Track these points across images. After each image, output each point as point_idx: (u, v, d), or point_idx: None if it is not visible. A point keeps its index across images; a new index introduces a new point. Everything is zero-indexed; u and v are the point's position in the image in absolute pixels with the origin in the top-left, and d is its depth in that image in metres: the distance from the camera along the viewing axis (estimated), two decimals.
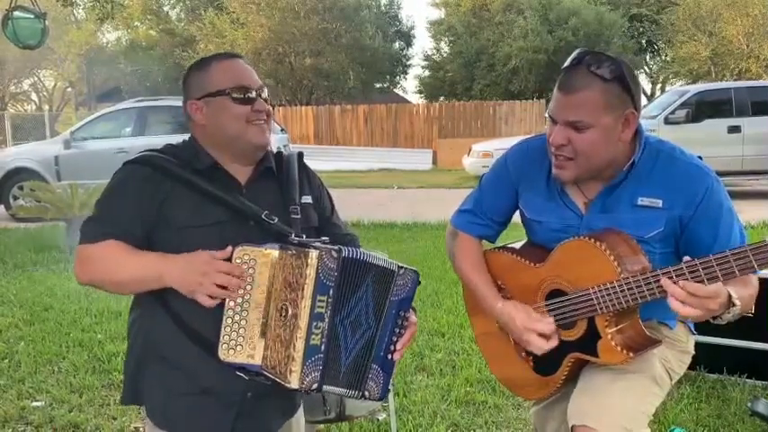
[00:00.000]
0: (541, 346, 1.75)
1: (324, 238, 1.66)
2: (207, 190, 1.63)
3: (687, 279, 1.49)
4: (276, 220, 1.63)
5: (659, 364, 1.77)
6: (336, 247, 1.48)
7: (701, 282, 1.48)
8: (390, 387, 2.48)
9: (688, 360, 1.88)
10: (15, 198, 10.19)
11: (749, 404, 3.01)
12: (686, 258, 1.53)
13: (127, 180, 1.67)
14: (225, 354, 1.53)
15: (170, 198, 1.63)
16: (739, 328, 3.25)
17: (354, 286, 1.50)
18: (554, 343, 1.74)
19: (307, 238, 1.62)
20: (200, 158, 1.69)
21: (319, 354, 1.46)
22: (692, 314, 1.49)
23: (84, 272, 1.64)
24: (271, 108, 1.73)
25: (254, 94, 1.67)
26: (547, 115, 1.74)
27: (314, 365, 1.45)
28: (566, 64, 1.68)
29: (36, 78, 35.38)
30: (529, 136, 2.01)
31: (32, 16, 7.14)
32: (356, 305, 1.51)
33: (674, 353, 1.82)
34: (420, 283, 1.62)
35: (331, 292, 1.46)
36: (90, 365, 3.85)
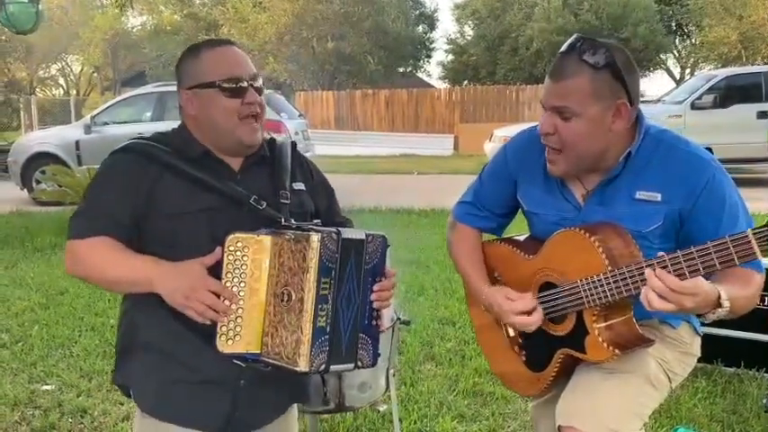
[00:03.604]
0: (523, 322, 1.71)
1: (316, 221, 1.65)
2: (194, 176, 1.61)
3: (669, 271, 1.42)
4: (264, 204, 1.61)
5: (655, 364, 1.70)
6: (335, 230, 1.49)
7: (683, 275, 1.41)
8: (392, 374, 2.43)
9: (692, 362, 1.80)
10: (38, 182, 10.34)
11: (765, 400, 2.93)
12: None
13: (113, 169, 1.65)
14: (223, 345, 1.51)
15: (158, 184, 1.60)
16: (758, 321, 3.16)
17: (348, 264, 1.50)
18: (538, 316, 1.69)
19: (297, 222, 1.60)
20: (191, 146, 1.66)
21: (325, 335, 1.46)
22: (665, 308, 1.41)
23: (73, 267, 1.62)
24: (264, 99, 1.69)
25: (245, 84, 1.62)
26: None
27: (321, 347, 1.46)
28: (561, 49, 1.62)
29: (63, 63, 35.84)
30: (532, 124, 1.94)
31: (26, 1, 7.05)
32: (348, 282, 1.51)
33: (675, 354, 1.75)
34: (389, 245, 1.59)
35: (333, 273, 1.47)
36: (101, 350, 3.88)
